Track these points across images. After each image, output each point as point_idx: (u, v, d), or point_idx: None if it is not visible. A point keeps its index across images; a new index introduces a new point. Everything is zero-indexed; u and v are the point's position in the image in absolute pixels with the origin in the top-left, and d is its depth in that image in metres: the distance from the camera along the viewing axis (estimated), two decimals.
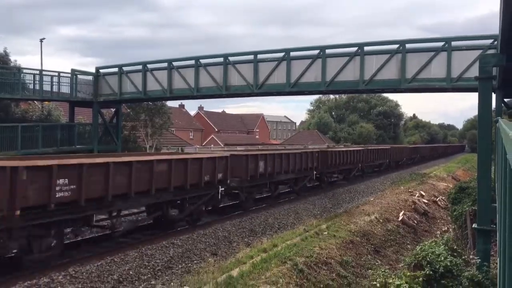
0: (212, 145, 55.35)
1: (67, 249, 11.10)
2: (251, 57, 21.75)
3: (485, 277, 9.44)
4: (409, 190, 26.22)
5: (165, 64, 24.02)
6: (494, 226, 10.00)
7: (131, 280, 10.00)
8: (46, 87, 24.14)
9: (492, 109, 12.70)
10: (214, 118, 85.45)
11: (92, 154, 15.68)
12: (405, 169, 44.11)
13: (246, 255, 11.61)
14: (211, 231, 14.14)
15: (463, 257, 11.33)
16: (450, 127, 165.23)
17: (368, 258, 13.83)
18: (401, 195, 24.22)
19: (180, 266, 11.25)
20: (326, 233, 14.44)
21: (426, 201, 24.49)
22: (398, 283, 9.25)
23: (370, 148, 36.45)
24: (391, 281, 9.49)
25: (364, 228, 16.06)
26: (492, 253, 11.17)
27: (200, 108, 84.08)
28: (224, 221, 15.60)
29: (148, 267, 10.79)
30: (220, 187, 15.07)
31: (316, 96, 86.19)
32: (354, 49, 19.64)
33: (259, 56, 21.58)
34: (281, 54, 21.07)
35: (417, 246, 11.95)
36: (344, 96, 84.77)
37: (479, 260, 10.16)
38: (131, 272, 10.33)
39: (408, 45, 18.64)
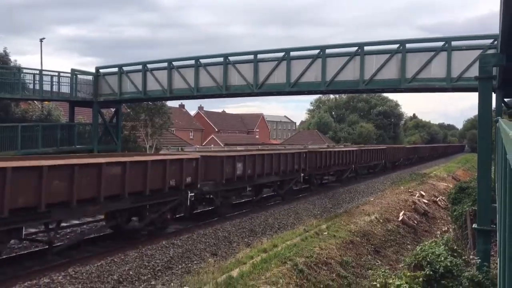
0: (212, 145, 55.34)
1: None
2: (251, 57, 21.73)
3: (485, 277, 9.44)
4: (409, 190, 26.22)
5: (165, 64, 24.01)
6: (494, 226, 10.00)
7: (131, 281, 10.00)
8: (46, 87, 24.12)
9: (492, 109, 12.69)
10: (214, 118, 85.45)
11: (36, 156, 13.73)
12: (403, 169, 43.20)
13: (246, 255, 11.60)
14: (211, 231, 14.14)
15: (463, 257, 11.33)
16: (450, 127, 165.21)
17: (368, 258, 13.83)
18: (401, 195, 24.22)
19: (180, 266, 11.25)
20: (326, 233, 14.44)
21: (426, 201, 24.49)
22: (398, 283, 9.25)
23: (364, 148, 34.81)
24: (391, 281, 9.49)
25: (364, 228, 16.06)
26: (492, 253, 11.17)
27: (200, 108, 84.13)
28: (224, 222, 15.59)
29: (148, 267, 10.78)
30: (189, 192, 13.72)
31: (316, 96, 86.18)
32: (354, 49, 19.62)
33: (259, 56, 21.56)
34: (281, 54, 21.05)
35: (417, 246, 11.95)
36: (344, 96, 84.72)
37: (479, 260, 10.16)
38: (131, 272, 10.33)
39: (408, 45, 18.63)
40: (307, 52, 20.87)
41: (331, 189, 25.95)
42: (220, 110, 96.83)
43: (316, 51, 20.34)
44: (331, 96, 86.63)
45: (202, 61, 22.88)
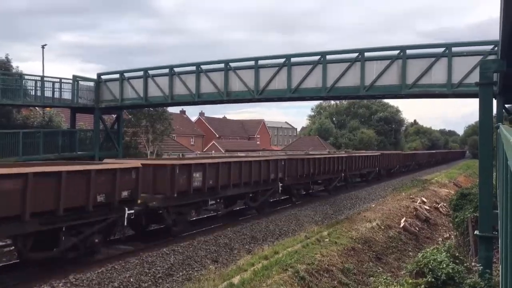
0: (213, 151, 55.36)
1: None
2: (252, 63, 21.81)
3: (487, 285, 9.38)
4: (411, 197, 26.15)
5: (166, 70, 24.08)
6: (496, 232, 9.95)
7: None
8: (48, 93, 24.20)
9: (493, 115, 12.69)
10: (215, 124, 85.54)
11: None
12: (399, 177, 40.72)
13: (247, 262, 11.56)
14: (212, 238, 14.09)
15: (465, 264, 11.29)
16: (451, 133, 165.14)
17: (370, 265, 13.76)
18: (403, 202, 24.14)
19: (180, 274, 11.21)
20: (327, 240, 14.38)
21: (427, 207, 24.41)
22: None
23: (355, 154, 32.30)
24: None
25: (366, 235, 16.00)
26: (495, 260, 11.11)
27: (201, 114, 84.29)
28: (225, 228, 15.54)
29: (149, 274, 10.74)
30: (126, 209, 11.44)
31: (317, 102, 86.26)
32: (355, 55, 19.68)
33: (260, 62, 21.63)
34: (282, 60, 21.12)
35: (419, 253, 11.90)
36: (345, 102, 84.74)
37: (481, 267, 10.10)
38: (131, 280, 10.29)
39: (408, 51, 18.67)
40: (307, 58, 20.93)
41: (318, 200, 23.96)
42: (221, 116, 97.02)
43: (317, 57, 20.40)
44: (332, 102, 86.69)
45: (203, 67, 22.96)
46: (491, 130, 11.43)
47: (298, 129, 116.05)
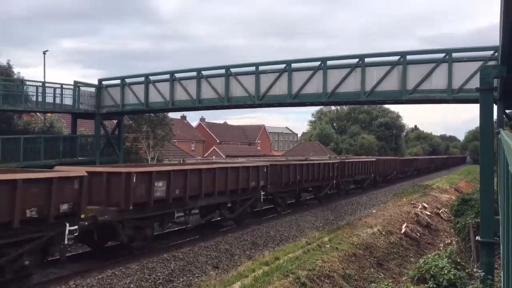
0: (214, 157, 55.34)
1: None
2: (252, 68, 21.86)
3: None
4: (412, 202, 26.10)
5: (167, 76, 24.15)
6: (498, 238, 9.92)
7: None
8: (49, 99, 24.26)
9: (494, 120, 12.69)
10: (216, 130, 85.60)
11: None
12: (396, 183, 39.46)
13: (248, 268, 11.52)
14: (213, 244, 14.05)
15: (466, 270, 11.24)
16: (452, 139, 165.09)
17: (371, 271, 13.71)
18: (404, 207, 24.10)
19: (181, 280, 11.18)
20: (328, 245, 14.35)
21: (428, 213, 24.35)
22: None
23: (348, 160, 30.49)
24: None
25: (367, 241, 15.96)
26: (496, 266, 11.07)
27: (202, 119, 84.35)
28: (226, 234, 15.51)
29: (149, 280, 10.71)
30: (68, 224, 9.73)
31: (317, 108, 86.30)
32: (355, 60, 19.73)
33: (261, 68, 21.69)
34: (282, 66, 21.17)
35: (420, 259, 11.87)
36: (345, 108, 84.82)
37: (483, 273, 10.06)
38: (132, 286, 10.26)
39: (408, 57, 18.71)
40: (308, 64, 20.98)
41: (308, 209, 22.22)
42: (222, 122, 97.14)
43: (317, 63, 20.45)
44: (333, 107, 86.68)
45: (204, 73, 23.02)
46: (491, 135, 11.42)
47: (299, 135, 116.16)
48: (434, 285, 9.76)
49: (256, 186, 17.48)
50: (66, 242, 9.88)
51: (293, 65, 20.95)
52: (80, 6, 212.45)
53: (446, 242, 19.65)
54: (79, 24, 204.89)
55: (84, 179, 10.17)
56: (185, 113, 67.82)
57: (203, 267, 12.20)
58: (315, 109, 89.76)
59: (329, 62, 20.27)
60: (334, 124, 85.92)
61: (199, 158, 47.24)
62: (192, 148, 68.18)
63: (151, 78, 24.69)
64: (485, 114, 10.94)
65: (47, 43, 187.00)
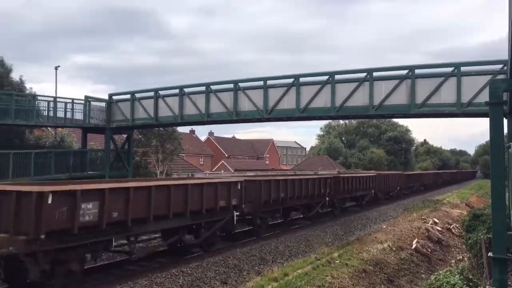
0: (222, 171, 55.41)
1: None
2: (261, 83, 22.02)
3: None
4: (422, 217, 25.80)
5: (177, 91, 24.40)
6: (511, 255, 9.75)
7: None
8: (60, 114, 24.59)
9: (504, 134, 12.57)
10: (225, 144, 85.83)
11: None
12: (396, 201, 36.49)
13: (256, 284, 11.41)
14: (221, 259, 13.98)
15: (479, 287, 11.03)
16: (462, 153, 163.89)
17: None
18: (414, 223, 23.82)
19: None
20: (338, 261, 14.19)
21: (439, 228, 24.03)
22: None
23: (344, 175, 27.81)
24: None
25: (377, 257, 15.76)
26: (510, 283, 10.85)
27: (211, 133, 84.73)
28: (235, 248, 15.43)
29: None
30: None
31: (326, 122, 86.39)
32: (363, 74, 19.79)
33: (269, 82, 21.83)
34: (291, 80, 21.29)
35: (432, 276, 11.69)
36: (354, 121, 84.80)
37: None
38: None
39: (417, 71, 18.73)
40: (316, 78, 21.09)
41: (298, 230, 20.03)
42: (230, 136, 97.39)
43: (325, 77, 20.53)
44: (341, 121, 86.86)
45: (213, 87, 23.22)
46: (502, 150, 11.29)
47: (307, 149, 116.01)
48: None
49: (227, 205, 14.93)
50: None
51: (301, 79, 21.06)
52: (92, 22, 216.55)
53: (458, 258, 19.33)
54: (90, 40, 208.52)
55: None
56: (194, 127, 68.23)
57: (212, 282, 12.12)
58: (323, 123, 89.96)
59: (337, 76, 20.34)
60: (343, 138, 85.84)
61: (208, 172, 47.33)
62: (201, 162, 68.35)
63: (161, 92, 24.95)
64: (495, 128, 10.80)
65: (59, 59, 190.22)
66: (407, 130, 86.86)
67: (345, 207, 28.44)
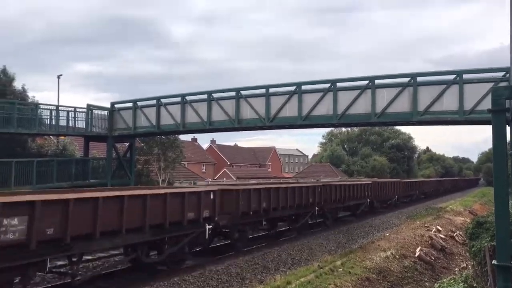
0: (224, 178, 55.37)
1: None
2: (263, 91, 22.07)
3: None
4: (425, 225, 25.67)
5: (178, 99, 24.48)
6: None
7: None
8: (62, 122, 24.68)
9: (507, 141, 12.53)
10: (227, 152, 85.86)
11: None
12: (394, 211, 34.58)
13: None
14: (224, 268, 13.90)
15: None
16: (465, 160, 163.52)
17: None
18: (417, 230, 23.70)
19: None
20: (341, 269, 14.10)
21: (443, 236, 23.89)
22: None
23: (335, 183, 25.74)
24: None
25: (380, 265, 15.66)
26: None
27: (213, 141, 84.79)
28: (237, 257, 15.35)
29: None
30: None
31: (328, 129, 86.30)
32: (365, 82, 19.82)
33: (271, 90, 21.88)
34: (293, 88, 21.34)
35: (435, 284, 11.60)
36: (356, 129, 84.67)
37: None
38: None
39: (419, 78, 18.75)
40: (318, 85, 21.14)
41: (284, 243, 18.50)
42: (232, 144, 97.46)
43: (327, 85, 20.58)
44: (343, 129, 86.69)
45: (215, 95, 23.28)
46: (505, 157, 11.26)
47: (310, 156, 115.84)
48: None
49: (197, 218, 13.32)
50: None
51: (303, 87, 21.12)
52: (93, 31, 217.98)
53: (462, 266, 19.19)
54: (92, 49, 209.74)
55: None
56: (196, 135, 68.15)
57: None
58: (325, 130, 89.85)
59: (339, 84, 20.39)
60: (345, 146, 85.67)
61: (210, 180, 47.30)
62: (203, 170, 68.33)
63: (163, 101, 25.03)
64: (498, 136, 10.79)
65: (61, 67, 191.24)
66: (410, 138, 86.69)
67: (340, 217, 27.00)
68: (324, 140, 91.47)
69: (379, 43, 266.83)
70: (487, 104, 13.44)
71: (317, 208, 21.57)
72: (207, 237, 14.07)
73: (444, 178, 78.18)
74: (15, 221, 8.43)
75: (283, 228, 21.05)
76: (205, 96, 23.60)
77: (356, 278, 13.44)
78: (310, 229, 22.14)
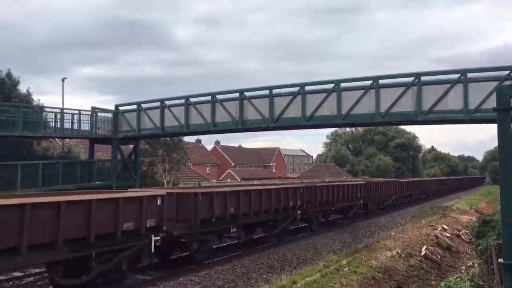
0: (229, 179, 55.43)
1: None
2: (266, 92, 22.10)
3: None
4: (431, 224, 25.60)
5: (182, 101, 24.57)
6: None
7: None
8: (67, 125, 24.82)
9: None
10: (231, 153, 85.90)
11: None
12: (391, 212, 32.32)
13: None
14: (229, 267, 13.94)
15: None
16: (470, 159, 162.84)
17: None
18: (423, 229, 23.64)
19: None
20: (346, 269, 14.09)
21: (449, 235, 23.82)
22: None
23: (320, 184, 23.11)
24: None
25: (386, 264, 15.64)
26: None
27: (217, 142, 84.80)
28: (242, 257, 15.38)
29: None
30: None
31: (332, 129, 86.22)
32: (369, 82, 19.81)
33: (275, 91, 21.91)
34: (296, 89, 21.36)
35: (442, 282, 11.58)
36: (360, 129, 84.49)
37: None
38: None
39: (423, 78, 18.73)
40: (322, 86, 21.14)
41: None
42: (236, 145, 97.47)
43: (331, 85, 20.58)
44: (347, 129, 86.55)
45: (218, 97, 23.34)
46: (511, 156, 11.25)
47: (314, 157, 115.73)
48: None
49: (137, 228, 11.08)
50: None
51: (307, 88, 21.14)
52: (97, 34, 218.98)
53: (468, 264, 19.12)
54: (96, 52, 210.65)
55: None
56: (200, 136, 68.25)
57: None
58: (330, 131, 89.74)
59: (342, 84, 20.39)
60: (350, 146, 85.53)
61: (214, 181, 47.39)
62: (208, 172, 68.41)
63: (167, 103, 25.12)
64: (503, 134, 10.73)
65: (65, 70, 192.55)
66: (415, 137, 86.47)
67: (331, 220, 24.99)
68: (328, 140, 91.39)
69: (385, 43, 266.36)
70: (492, 103, 13.42)
71: (299, 212, 19.39)
72: (152, 250, 11.80)
73: (447, 177, 76.22)
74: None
75: (257, 236, 18.18)
76: (208, 97, 23.67)
77: (362, 277, 13.44)
78: (292, 234, 20.08)
